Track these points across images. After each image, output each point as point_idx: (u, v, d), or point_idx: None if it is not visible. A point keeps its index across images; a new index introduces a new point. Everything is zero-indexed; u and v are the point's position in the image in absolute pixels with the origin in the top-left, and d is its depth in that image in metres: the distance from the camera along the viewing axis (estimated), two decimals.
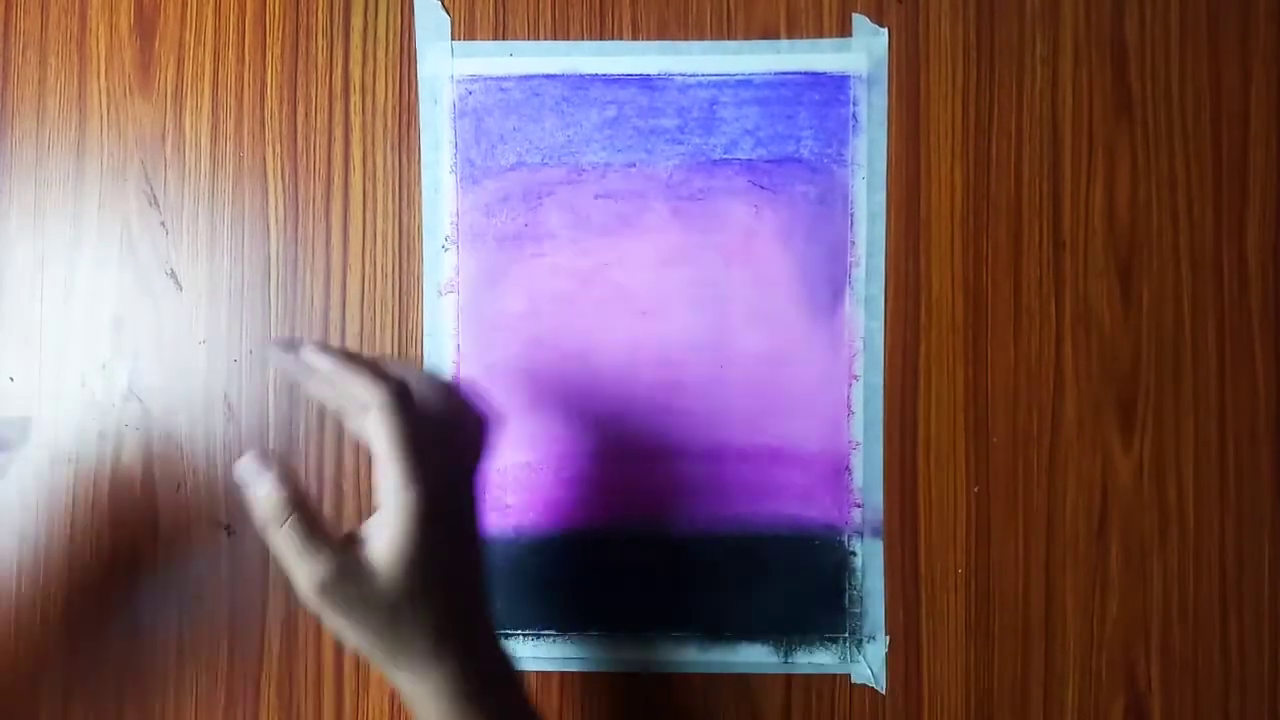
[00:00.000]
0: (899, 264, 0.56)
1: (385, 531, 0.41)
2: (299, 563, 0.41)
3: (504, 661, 0.45)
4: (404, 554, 0.41)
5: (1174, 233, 0.56)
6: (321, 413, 0.55)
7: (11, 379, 0.56)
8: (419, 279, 0.56)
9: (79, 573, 0.55)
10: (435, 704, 0.42)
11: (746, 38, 0.56)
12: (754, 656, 0.55)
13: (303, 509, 0.41)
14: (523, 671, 0.49)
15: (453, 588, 0.43)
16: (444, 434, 0.44)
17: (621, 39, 0.56)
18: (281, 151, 0.56)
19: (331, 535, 0.41)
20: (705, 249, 0.55)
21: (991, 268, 0.56)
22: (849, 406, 0.56)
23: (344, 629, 0.41)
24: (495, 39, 0.56)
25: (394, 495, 0.41)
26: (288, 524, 0.41)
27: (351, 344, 0.56)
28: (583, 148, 0.56)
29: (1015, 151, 0.56)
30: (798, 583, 0.55)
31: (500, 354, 0.56)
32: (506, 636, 0.55)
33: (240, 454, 0.53)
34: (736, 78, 0.56)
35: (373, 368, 0.42)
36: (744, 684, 0.55)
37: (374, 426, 0.41)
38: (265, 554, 0.55)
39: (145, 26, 0.56)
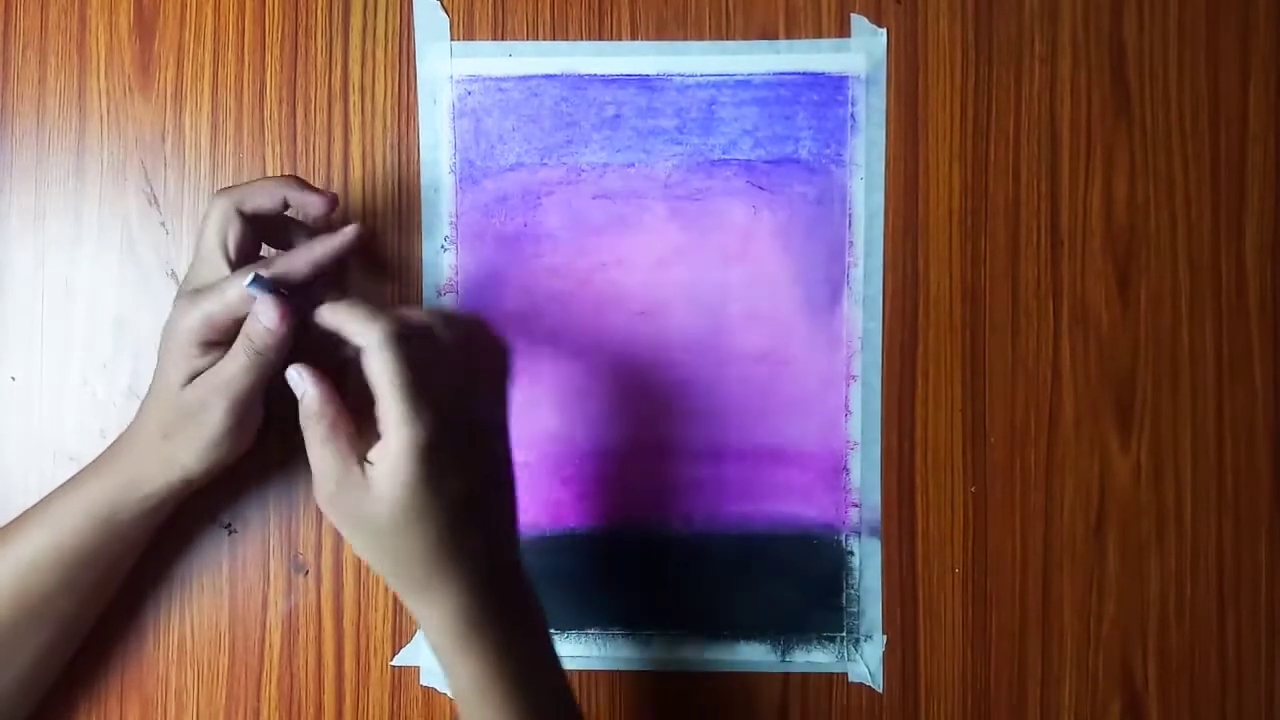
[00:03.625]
0: (897, 264, 0.56)
1: (385, 462, 0.42)
2: (316, 466, 0.44)
3: (520, 600, 0.46)
4: (402, 484, 0.42)
5: (1172, 233, 0.56)
6: None
7: (13, 378, 0.56)
8: (418, 279, 0.56)
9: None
10: (434, 634, 0.45)
11: (745, 38, 0.56)
12: (751, 655, 0.55)
13: (334, 422, 0.44)
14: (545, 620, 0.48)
15: (460, 520, 0.43)
16: (456, 366, 0.45)
17: (620, 39, 0.56)
18: (281, 151, 0.56)
19: (350, 451, 0.43)
20: (703, 249, 0.56)
21: (989, 268, 0.56)
22: (847, 406, 0.56)
23: (350, 539, 0.45)
24: (494, 39, 0.56)
25: (393, 430, 0.42)
26: (316, 428, 0.44)
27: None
28: (581, 148, 0.56)
29: (1013, 152, 0.56)
30: (795, 582, 0.56)
31: None
32: None
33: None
34: (735, 78, 0.56)
35: (367, 309, 0.44)
36: (741, 682, 0.56)
37: (372, 365, 0.42)
38: (265, 553, 0.55)
39: (145, 26, 0.56)
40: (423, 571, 0.44)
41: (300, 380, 0.45)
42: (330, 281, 0.51)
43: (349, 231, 0.49)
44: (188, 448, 0.48)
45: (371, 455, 0.43)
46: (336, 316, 0.44)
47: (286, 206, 0.50)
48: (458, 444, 0.43)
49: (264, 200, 0.49)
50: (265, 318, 0.45)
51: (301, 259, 0.48)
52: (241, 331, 0.47)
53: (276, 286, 0.46)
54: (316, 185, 0.56)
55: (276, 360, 0.47)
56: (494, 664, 0.44)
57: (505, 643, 0.45)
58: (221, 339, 0.47)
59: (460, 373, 0.45)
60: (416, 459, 0.42)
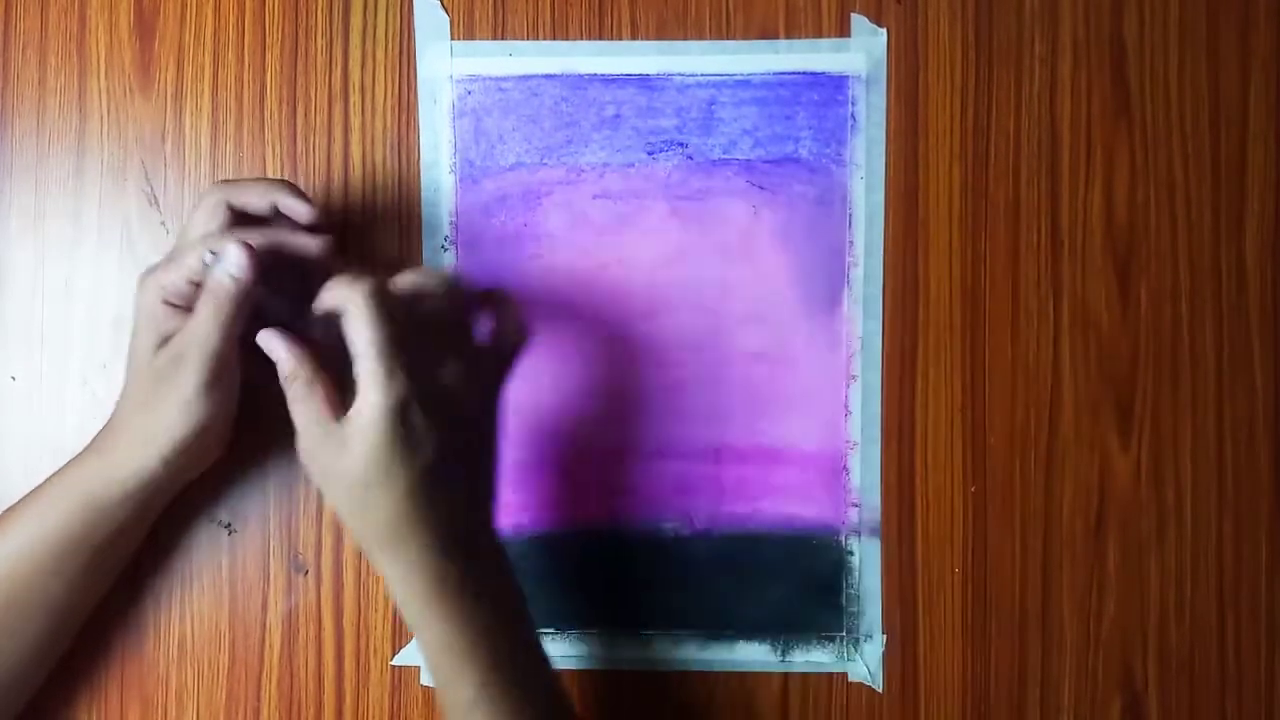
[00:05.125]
0: (897, 264, 0.56)
1: (358, 419, 0.44)
2: (296, 423, 0.46)
3: (486, 570, 0.47)
4: (371, 444, 0.44)
5: (1172, 233, 0.56)
6: None
7: (13, 378, 0.56)
8: None
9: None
10: (398, 592, 0.46)
11: (745, 38, 0.56)
12: (751, 655, 0.56)
13: (309, 380, 0.45)
14: (522, 597, 0.49)
15: (423, 485, 0.45)
16: (451, 331, 0.47)
17: (620, 39, 0.56)
18: (281, 151, 0.56)
19: (326, 410, 0.45)
20: (704, 249, 0.56)
21: (989, 268, 0.56)
22: (847, 406, 0.56)
23: (325, 493, 0.47)
24: (494, 39, 0.56)
25: (366, 390, 0.44)
26: (293, 386, 0.45)
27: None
28: (581, 148, 0.56)
29: (1014, 152, 0.56)
30: (795, 582, 0.56)
31: None
32: None
33: (238, 454, 0.54)
34: (735, 78, 0.56)
35: (352, 275, 0.46)
36: (741, 682, 0.56)
37: (351, 323, 0.44)
38: (265, 553, 0.55)
39: (145, 26, 0.56)
40: (388, 530, 0.45)
41: (275, 344, 0.46)
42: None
43: (320, 241, 0.49)
44: (163, 415, 0.48)
45: (349, 414, 0.44)
46: (325, 288, 0.46)
47: (277, 212, 0.50)
48: (432, 410, 0.45)
49: (253, 199, 0.49)
50: (231, 264, 0.46)
51: (258, 238, 0.48)
52: (204, 288, 0.47)
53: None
54: (316, 186, 0.56)
55: (240, 316, 0.47)
56: (456, 625, 0.45)
57: (468, 607, 0.46)
58: (185, 304, 0.48)
59: (454, 338, 0.47)
60: (386, 419, 0.43)
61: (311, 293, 0.48)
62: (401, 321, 0.45)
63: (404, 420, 0.44)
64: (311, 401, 0.45)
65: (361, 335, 0.44)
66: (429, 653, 0.46)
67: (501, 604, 0.47)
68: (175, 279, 0.47)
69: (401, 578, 0.46)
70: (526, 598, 0.49)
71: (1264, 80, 0.56)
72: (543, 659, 0.48)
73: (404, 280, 0.47)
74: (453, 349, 0.47)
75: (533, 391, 0.56)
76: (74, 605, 0.51)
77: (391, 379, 0.43)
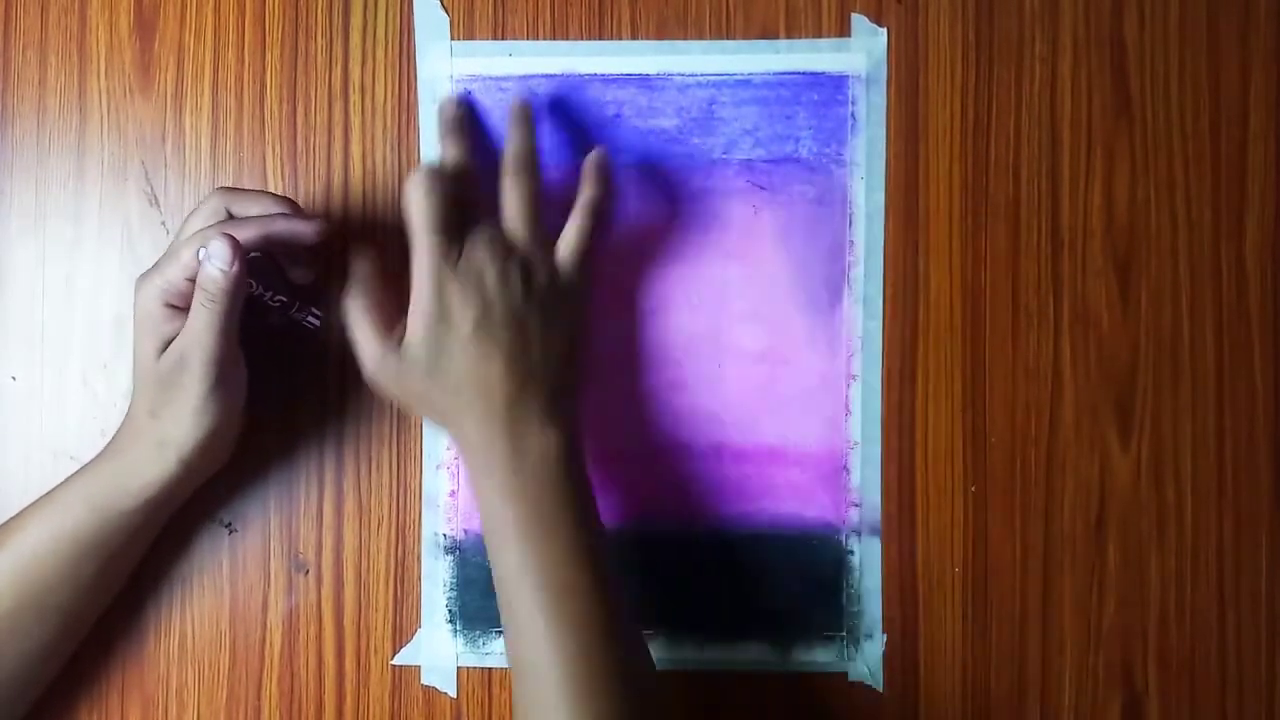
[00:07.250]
0: (897, 264, 0.56)
1: (412, 317, 0.49)
2: (359, 345, 0.50)
3: (545, 434, 0.49)
4: (421, 339, 0.49)
5: (1172, 233, 0.56)
6: (319, 412, 0.56)
7: (14, 378, 0.56)
8: None
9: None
10: (461, 454, 0.50)
11: (745, 37, 0.56)
12: (752, 654, 0.56)
13: (371, 299, 0.51)
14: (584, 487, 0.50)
15: (470, 347, 0.48)
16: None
17: (620, 39, 0.56)
18: (281, 151, 0.56)
19: (384, 326, 0.50)
20: (704, 249, 0.56)
21: (990, 267, 0.56)
22: (847, 406, 0.56)
23: (395, 398, 0.51)
24: (494, 39, 0.56)
25: (415, 285, 0.49)
26: (354, 308, 0.50)
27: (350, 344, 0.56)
28: (582, 148, 0.56)
29: (1014, 151, 0.56)
30: (796, 581, 0.56)
31: None
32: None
33: (239, 454, 0.54)
34: (735, 77, 0.56)
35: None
36: (742, 681, 0.56)
37: (405, 206, 0.49)
38: (266, 553, 0.56)
39: (145, 26, 0.56)
40: (450, 401, 0.49)
41: (353, 259, 0.52)
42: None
43: (313, 223, 0.50)
44: (175, 421, 0.48)
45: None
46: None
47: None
48: (468, 284, 0.48)
49: (254, 209, 0.49)
50: (217, 258, 0.46)
51: (254, 229, 0.48)
52: (196, 286, 0.47)
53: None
54: (316, 186, 0.56)
55: (234, 311, 0.48)
56: (505, 492, 0.48)
57: (515, 470, 0.48)
58: (184, 304, 0.48)
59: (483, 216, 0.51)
60: (431, 292, 0.48)
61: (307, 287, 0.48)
62: (446, 202, 0.49)
63: (446, 290, 0.48)
64: (366, 320, 0.50)
65: (412, 219, 0.49)
66: (482, 516, 0.49)
67: (553, 489, 0.48)
68: (174, 276, 0.47)
69: (459, 445, 0.50)
70: (595, 499, 0.50)
71: (1264, 80, 0.56)
72: (599, 553, 0.48)
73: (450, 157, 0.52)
74: (485, 225, 0.50)
75: None
76: (85, 608, 0.51)
77: (431, 256, 0.48)
